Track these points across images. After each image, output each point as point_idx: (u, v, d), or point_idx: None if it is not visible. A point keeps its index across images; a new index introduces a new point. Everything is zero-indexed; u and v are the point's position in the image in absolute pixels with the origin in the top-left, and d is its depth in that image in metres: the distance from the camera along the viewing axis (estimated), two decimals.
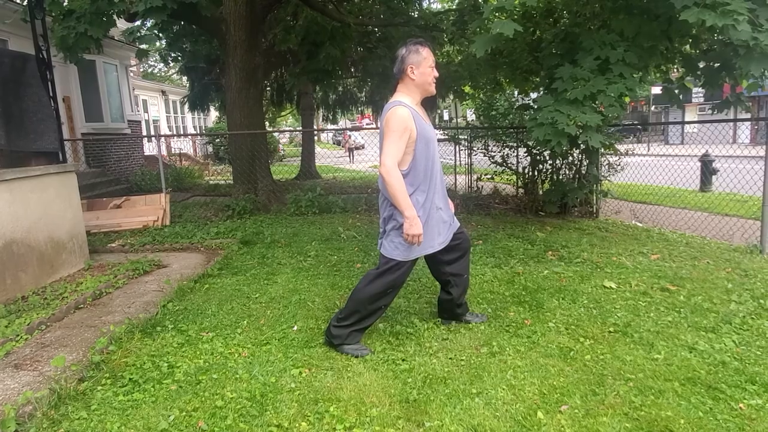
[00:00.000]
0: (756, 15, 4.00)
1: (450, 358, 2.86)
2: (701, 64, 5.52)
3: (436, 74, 2.93)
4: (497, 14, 4.78)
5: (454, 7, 11.42)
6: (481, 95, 9.61)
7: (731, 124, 20.63)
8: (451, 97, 13.16)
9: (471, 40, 4.71)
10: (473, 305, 3.66)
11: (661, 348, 2.93)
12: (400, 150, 2.78)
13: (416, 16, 10.97)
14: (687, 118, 25.95)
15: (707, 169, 10.17)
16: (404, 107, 2.79)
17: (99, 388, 2.65)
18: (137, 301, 3.92)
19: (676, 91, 5.82)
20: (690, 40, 5.59)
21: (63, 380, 2.61)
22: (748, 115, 13.41)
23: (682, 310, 3.48)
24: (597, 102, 4.75)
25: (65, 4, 6.48)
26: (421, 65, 2.86)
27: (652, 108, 29.72)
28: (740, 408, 2.31)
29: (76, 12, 6.26)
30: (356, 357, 2.90)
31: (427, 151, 2.87)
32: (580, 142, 5.32)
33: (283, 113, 23.55)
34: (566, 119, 4.61)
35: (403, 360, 2.85)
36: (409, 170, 2.84)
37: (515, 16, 6.27)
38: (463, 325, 3.30)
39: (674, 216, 7.28)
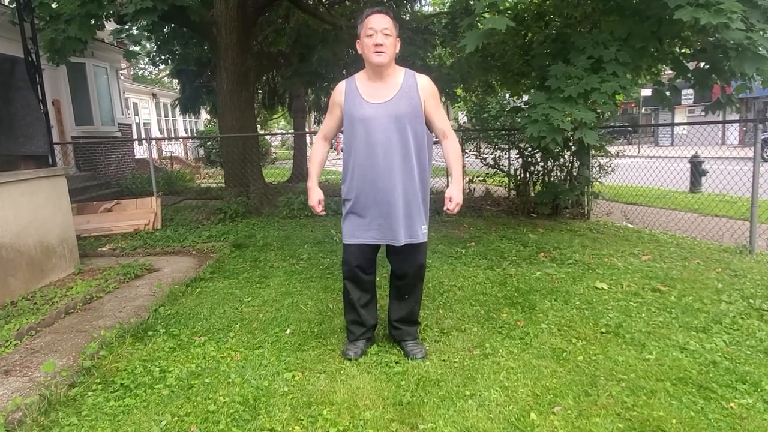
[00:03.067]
0: (746, 17, 4.05)
1: (443, 360, 2.86)
2: (691, 65, 5.57)
3: (377, 41, 2.61)
4: (488, 12, 4.78)
5: (445, 9, 11.47)
6: (473, 98, 9.66)
7: (720, 125, 20.85)
8: (443, 99, 13.19)
9: (462, 36, 4.70)
10: (466, 307, 3.67)
11: (652, 348, 2.94)
12: (328, 124, 2.90)
13: (408, 19, 10.99)
14: (676, 120, 26.19)
15: (697, 171, 10.26)
16: (343, 82, 2.79)
17: (90, 393, 2.63)
18: (128, 306, 3.89)
19: (667, 93, 5.87)
20: (679, 42, 5.64)
21: (53, 386, 2.58)
22: (738, 117, 13.56)
23: (673, 310, 3.51)
24: (590, 100, 4.77)
25: (54, 6, 6.42)
26: (360, 35, 2.70)
27: (642, 110, 29.98)
28: (731, 407, 2.33)
29: (65, 14, 6.22)
30: (347, 358, 2.90)
31: (350, 129, 2.73)
32: (575, 139, 5.33)
33: (274, 116, 23.49)
34: (561, 116, 4.62)
35: (396, 362, 2.85)
36: (345, 147, 2.82)
37: (508, 14, 6.31)
38: (455, 328, 3.31)
39: (665, 217, 7.34)
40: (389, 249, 2.85)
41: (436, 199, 5.72)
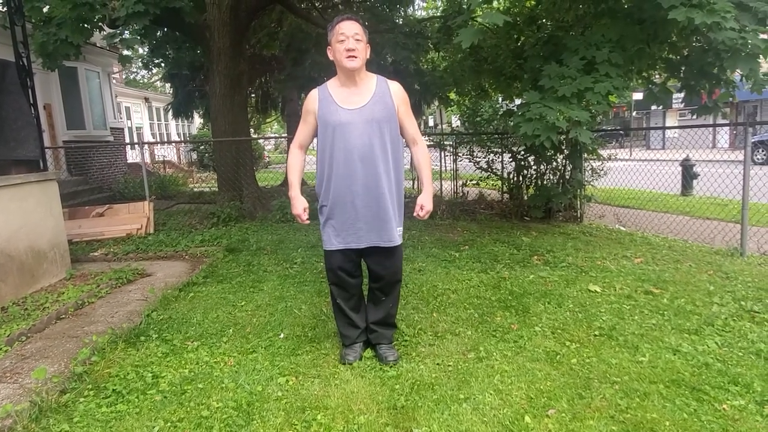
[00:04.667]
0: (737, 19, 4.09)
1: (437, 364, 2.86)
2: (683, 68, 5.61)
3: (349, 46, 2.64)
4: (482, 8, 4.78)
5: (438, 14, 11.51)
6: (467, 101, 9.69)
7: (711, 129, 21.03)
8: (436, 103, 13.22)
9: (456, 33, 4.69)
10: (460, 310, 3.67)
11: (645, 350, 2.95)
12: (303, 132, 2.87)
13: (401, 23, 11.02)
14: (668, 124, 26.40)
15: (688, 174, 10.33)
16: (316, 89, 2.79)
17: (81, 399, 2.60)
18: (120, 311, 3.86)
19: (658, 95, 5.89)
20: (667, 48, 5.69)
21: (44, 392, 2.56)
22: (735, 115, 13.70)
23: (665, 312, 3.53)
24: (584, 100, 4.78)
25: (45, 10, 6.39)
26: (331, 42, 2.71)
27: (634, 114, 30.20)
28: (724, 409, 2.34)
29: (56, 18, 6.19)
30: (342, 364, 2.90)
31: (325, 135, 2.73)
32: (569, 140, 5.31)
33: (268, 120, 23.48)
34: (556, 114, 4.63)
35: (391, 366, 2.84)
36: (318, 155, 2.83)
37: (502, 11, 6.32)
38: (450, 331, 3.31)
39: (657, 220, 7.38)
40: (366, 252, 2.85)
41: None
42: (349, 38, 2.64)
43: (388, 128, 2.74)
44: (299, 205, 2.83)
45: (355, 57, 2.65)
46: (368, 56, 2.75)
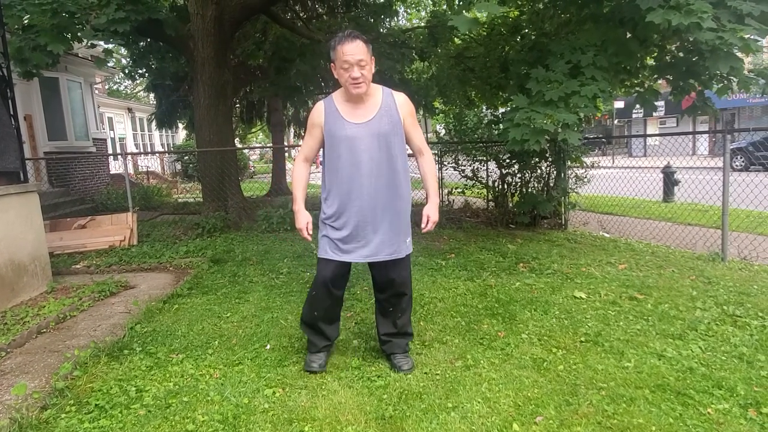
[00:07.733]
0: (718, 17, 4.15)
1: (425, 373, 2.86)
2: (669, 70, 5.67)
3: (355, 75, 2.59)
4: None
5: (423, 24, 11.62)
6: (453, 109, 9.76)
7: (690, 136, 21.41)
8: (421, 112, 13.29)
9: (450, 19, 4.68)
10: (447, 318, 3.68)
11: (631, 356, 2.98)
12: (308, 145, 2.86)
13: (385, 33, 11.09)
14: (649, 131, 26.83)
15: (669, 180, 10.49)
16: (321, 102, 2.79)
17: (63, 415, 2.55)
18: (103, 324, 3.80)
19: (647, 96, 5.94)
20: (656, 50, 5.75)
21: (24, 409, 2.50)
22: (707, 127, 13.93)
23: (650, 318, 3.56)
24: (571, 103, 4.82)
25: (26, 20, 6.31)
26: (335, 63, 2.69)
27: (616, 122, 30.65)
28: (708, 413, 2.37)
29: (36, 26, 6.12)
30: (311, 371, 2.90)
31: (332, 149, 2.73)
32: (558, 141, 5.34)
33: (253, 130, 23.42)
34: (543, 118, 4.66)
35: (378, 376, 2.83)
36: (325, 168, 2.82)
37: (484, 29, 6.37)
38: (437, 339, 3.31)
39: (640, 226, 7.47)
40: (372, 263, 2.83)
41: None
42: (353, 66, 2.59)
43: (395, 141, 2.74)
44: (303, 219, 2.81)
45: (361, 83, 2.63)
46: (374, 70, 2.74)
